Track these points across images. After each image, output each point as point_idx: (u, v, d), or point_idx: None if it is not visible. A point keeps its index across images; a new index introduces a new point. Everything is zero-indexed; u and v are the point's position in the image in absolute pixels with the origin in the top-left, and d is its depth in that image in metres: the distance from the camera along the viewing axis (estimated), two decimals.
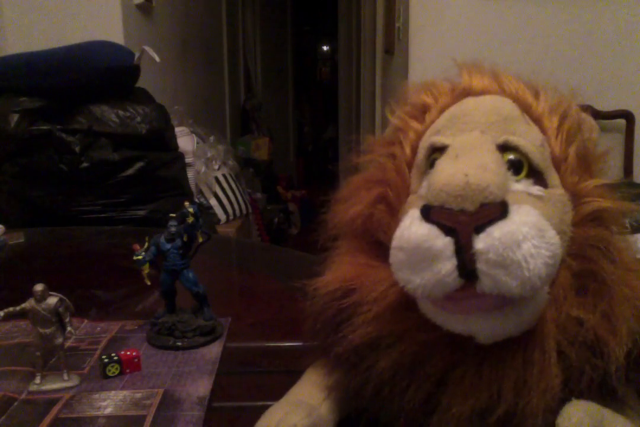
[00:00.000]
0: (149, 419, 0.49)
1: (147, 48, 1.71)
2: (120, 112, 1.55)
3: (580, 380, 0.37)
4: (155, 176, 1.59)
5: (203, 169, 2.30)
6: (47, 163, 1.49)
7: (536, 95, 0.43)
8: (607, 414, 0.37)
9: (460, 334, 0.38)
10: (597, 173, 0.42)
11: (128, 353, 0.58)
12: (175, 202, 1.59)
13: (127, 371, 0.57)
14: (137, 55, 1.67)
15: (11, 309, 0.54)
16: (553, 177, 0.40)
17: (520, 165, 0.38)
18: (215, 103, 3.62)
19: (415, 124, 0.44)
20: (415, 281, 0.35)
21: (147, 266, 0.63)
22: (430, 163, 0.40)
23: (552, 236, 0.35)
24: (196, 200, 2.17)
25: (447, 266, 0.33)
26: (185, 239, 0.63)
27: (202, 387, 0.54)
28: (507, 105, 0.41)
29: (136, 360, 0.58)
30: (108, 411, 0.50)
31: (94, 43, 1.62)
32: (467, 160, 0.35)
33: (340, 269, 0.45)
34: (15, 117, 1.48)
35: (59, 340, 0.55)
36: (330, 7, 4.85)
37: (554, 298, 0.38)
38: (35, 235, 1.15)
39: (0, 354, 0.61)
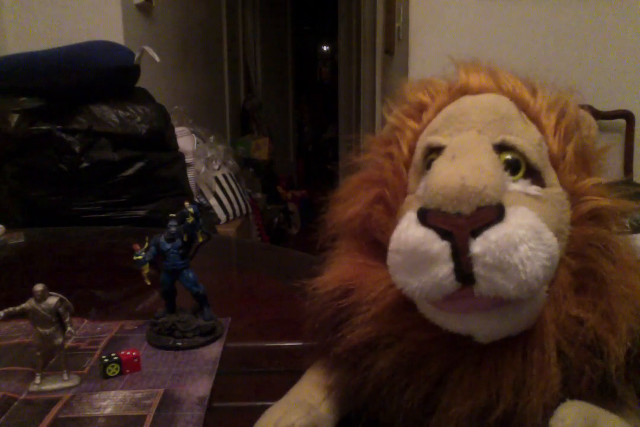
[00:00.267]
0: (149, 419, 0.49)
1: (147, 48, 1.71)
2: (120, 112, 1.55)
3: (580, 380, 0.37)
4: (155, 176, 1.59)
5: (203, 169, 2.30)
6: (47, 163, 1.49)
7: (533, 92, 0.43)
8: (601, 415, 0.37)
9: (459, 334, 0.37)
10: (596, 171, 0.42)
11: (128, 353, 0.58)
12: (175, 202, 1.59)
13: (127, 371, 0.57)
14: (137, 55, 1.67)
15: (11, 309, 0.54)
16: (551, 176, 0.40)
17: (518, 165, 0.38)
18: (215, 103, 3.62)
19: (412, 123, 0.44)
20: (413, 283, 0.35)
21: (147, 266, 0.63)
22: (428, 164, 0.40)
23: (549, 238, 0.35)
24: (196, 200, 2.17)
25: (444, 269, 0.33)
26: (185, 239, 0.63)
27: (202, 387, 0.54)
28: (504, 104, 0.41)
29: (136, 360, 0.58)
30: (108, 411, 0.50)
31: (94, 43, 1.62)
32: (464, 162, 0.35)
33: (339, 269, 0.45)
34: (15, 117, 1.48)
35: (59, 340, 0.55)
36: (330, 7, 4.85)
37: (553, 297, 0.37)
38: (35, 235, 1.15)
39: (0, 354, 0.61)
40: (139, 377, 0.56)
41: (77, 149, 1.49)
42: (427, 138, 0.41)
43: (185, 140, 1.99)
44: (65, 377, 0.55)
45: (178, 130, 1.86)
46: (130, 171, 1.54)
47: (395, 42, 2.26)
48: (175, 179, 1.67)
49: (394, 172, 0.44)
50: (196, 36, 3.17)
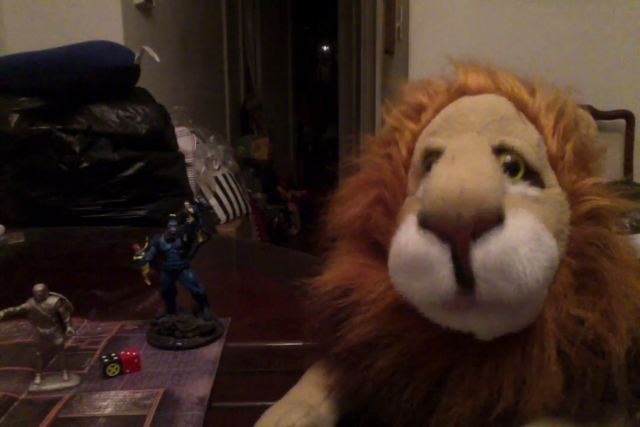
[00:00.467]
0: (149, 419, 0.49)
1: (147, 48, 1.71)
2: (120, 112, 1.55)
3: (584, 382, 0.37)
4: (155, 176, 1.59)
5: (203, 169, 2.30)
6: (47, 163, 1.49)
7: (532, 92, 0.43)
8: None
9: (459, 333, 0.37)
10: (595, 170, 0.42)
11: (128, 353, 0.58)
12: (175, 202, 1.59)
13: (127, 371, 0.57)
14: (137, 55, 1.67)
15: (11, 309, 0.54)
16: (550, 176, 0.40)
17: (517, 167, 0.38)
18: (215, 103, 3.62)
19: (410, 124, 0.44)
20: (413, 287, 0.36)
21: (147, 266, 0.63)
22: (427, 166, 0.40)
23: (549, 240, 0.35)
24: (196, 200, 2.17)
25: (444, 273, 0.34)
26: (185, 239, 0.63)
27: (202, 387, 0.54)
28: (503, 105, 0.41)
29: (136, 360, 0.58)
30: (108, 411, 0.50)
31: (94, 43, 1.62)
32: (463, 165, 0.35)
33: (340, 269, 0.45)
34: (15, 117, 1.48)
35: (59, 340, 0.55)
36: (330, 7, 4.85)
37: (553, 296, 0.37)
38: (35, 235, 1.15)
39: (0, 354, 0.61)
40: (139, 377, 0.56)
41: (77, 149, 1.49)
42: (426, 140, 0.41)
43: (185, 140, 1.99)
44: (65, 377, 0.55)
45: (178, 130, 1.86)
46: (130, 171, 1.54)
47: (395, 42, 2.26)
48: (175, 179, 1.67)
49: (393, 174, 0.44)
50: (196, 36, 3.17)
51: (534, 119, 0.41)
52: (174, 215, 0.63)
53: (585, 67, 1.91)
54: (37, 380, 0.55)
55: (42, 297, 0.53)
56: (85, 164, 1.49)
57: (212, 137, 2.47)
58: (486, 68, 0.44)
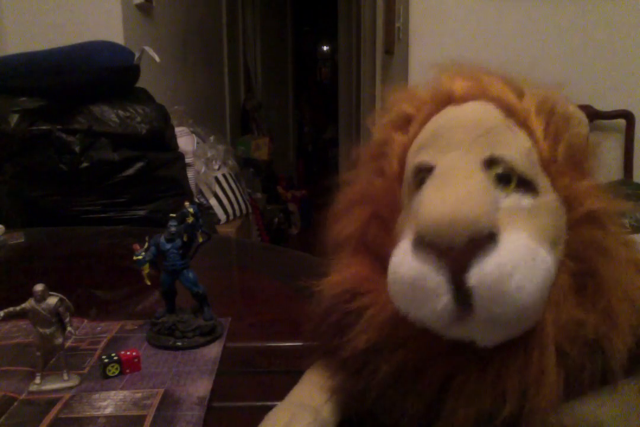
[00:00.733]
0: (149, 419, 0.49)
1: (147, 48, 1.71)
2: (120, 112, 1.55)
3: (581, 376, 0.37)
4: (155, 176, 1.59)
5: (203, 169, 2.30)
6: (47, 163, 1.49)
7: (520, 95, 0.42)
8: None
9: (461, 341, 0.38)
10: (590, 171, 0.42)
11: (128, 353, 0.58)
12: (175, 202, 1.59)
13: (127, 371, 0.57)
14: (137, 55, 1.67)
15: (11, 309, 0.54)
16: (543, 182, 0.39)
17: (509, 178, 0.38)
18: (215, 103, 3.62)
19: (399, 137, 0.44)
20: (414, 314, 0.36)
21: (147, 266, 0.63)
22: (419, 182, 0.40)
23: (544, 257, 0.35)
24: (196, 200, 2.17)
25: (443, 301, 0.34)
26: (185, 239, 0.63)
27: (202, 387, 0.54)
28: (490, 114, 0.40)
29: (136, 360, 0.58)
30: (108, 411, 0.50)
31: (94, 43, 1.62)
32: (452, 189, 0.35)
33: (347, 271, 0.45)
34: (15, 117, 1.48)
35: (59, 340, 0.55)
36: (330, 7, 4.85)
37: (553, 300, 0.37)
38: (35, 235, 1.15)
39: (0, 354, 0.61)
40: (139, 377, 0.56)
41: (77, 149, 1.49)
42: (416, 156, 0.41)
43: (185, 140, 1.99)
44: (65, 377, 0.55)
45: (178, 130, 1.86)
46: (130, 171, 1.54)
47: (395, 42, 2.26)
48: (175, 179, 1.67)
49: (387, 189, 0.44)
50: (196, 36, 3.17)
51: (523, 123, 0.41)
52: (174, 215, 0.63)
53: (586, 67, 1.91)
54: (37, 380, 0.55)
55: (42, 297, 0.53)
56: (85, 164, 1.49)
57: (212, 137, 2.47)
58: (472, 73, 0.43)
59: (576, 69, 1.89)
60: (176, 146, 1.76)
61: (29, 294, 0.54)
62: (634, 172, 1.94)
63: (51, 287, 0.54)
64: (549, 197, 0.39)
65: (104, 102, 1.55)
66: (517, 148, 0.39)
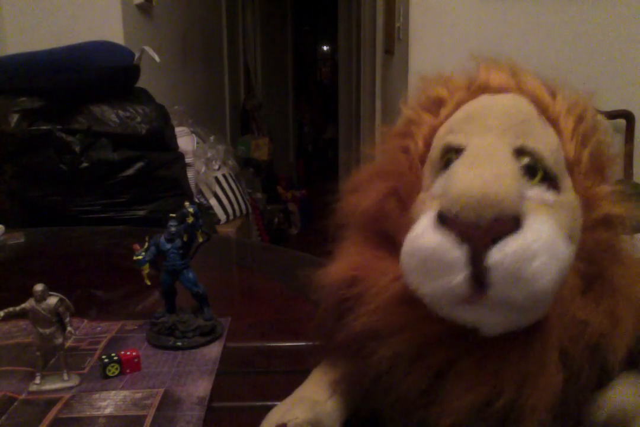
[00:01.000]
0: (149, 419, 0.49)
1: (147, 48, 1.71)
2: (120, 112, 1.55)
3: (580, 377, 0.38)
4: (155, 176, 1.59)
5: (203, 169, 2.30)
6: (47, 163, 1.49)
7: (553, 95, 0.42)
8: None
9: (463, 328, 0.38)
10: (610, 176, 0.42)
11: (128, 353, 0.58)
12: (175, 202, 1.59)
13: (127, 371, 0.57)
14: (137, 55, 1.67)
15: (11, 309, 0.54)
16: (566, 181, 0.40)
17: (535, 170, 0.38)
18: (215, 103, 3.62)
19: (429, 118, 0.44)
20: (426, 288, 0.36)
21: (147, 266, 0.63)
22: (445, 162, 0.40)
23: (564, 250, 0.35)
24: (196, 200, 2.17)
25: (459, 277, 0.34)
26: (185, 239, 0.63)
27: (202, 387, 0.54)
28: (524, 106, 0.41)
29: (136, 360, 0.58)
30: (108, 411, 0.50)
31: (94, 43, 1.62)
32: (484, 169, 0.35)
33: (347, 260, 0.45)
34: (15, 117, 1.48)
35: (59, 340, 0.55)
36: (330, 7, 4.85)
37: (560, 299, 0.38)
38: (35, 235, 1.15)
39: (0, 354, 0.61)
40: (139, 377, 0.56)
41: (77, 149, 1.49)
42: (446, 137, 0.41)
43: (185, 140, 1.99)
44: (65, 377, 0.55)
45: (178, 130, 1.86)
46: (130, 171, 1.54)
47: (395, 42, 2.26)
48: (175, 179, 1.67)
49: (409, 167, 0.43)
50: (196, 36, 3.17)
51: (553, 122, 0.41)
52: (174, 215, 0.63)
53: (585, 67, 1.91)
54: (37, 380, 0.55)
55: (42, 297, 0.53)
56: (85, 164, 1.49)
57: (212, 137, 2.47)
58: (508, 66, 0.44)
59: (576, 68, 1.89)
60: (176, 146, 1.76)
61: (29, 294, 0.54)
62: (634, 172, 1.94)
63: (51, 287, 0.54)
64: (569, 196, 0.39)
65: (104, 102, 1.55)
66: (546, 143, 0.39)
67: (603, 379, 0.38)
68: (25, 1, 2.03)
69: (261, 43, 4.99)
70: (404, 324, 0.40)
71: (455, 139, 0.40)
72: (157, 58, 1.73)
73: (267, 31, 5.11)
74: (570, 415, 0.39)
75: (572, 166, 0.40)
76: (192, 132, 2.18)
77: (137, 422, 0.49)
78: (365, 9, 3.15)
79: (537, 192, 0.38)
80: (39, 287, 0.53)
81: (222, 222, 2.40)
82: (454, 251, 0.34)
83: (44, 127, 1.49)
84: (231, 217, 2.45)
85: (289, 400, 0.45)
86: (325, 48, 7.29)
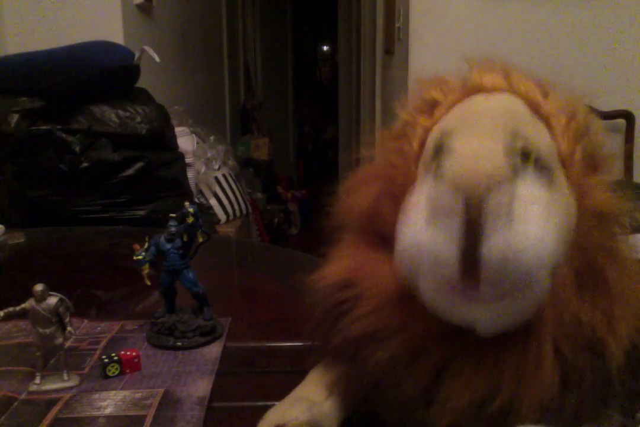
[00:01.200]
0: (149, 419, 0.49)
1: (147, 48, 1.71)
2: (120, 112, 1.55)
3: (581, 382, 0.37)
4: (155, 176, 1.59)
5: (203, 169, 2.30)
6: (47, 163, 1.49)
7: (545, 95, 0.42)
8: None
9: (461, 328, 0.38)
10: (604, 175, 0.42)
11: (128, 353, 0.58)
12: (175, 202, 1.59)
13: (127, 371, 0.57)
14: (137, 55, 1.67)
15: (11, 309, 0.54)
16: (560, 177, 0.40)
17: (528, 155, 0.38)
18: (215, 103, 3.62)
19: (423, 120, 0.44)
20: (420, 283, 0.36)
21: (147, 266, 0.63)
22: (437, 164, 0.40)
23: (556, 242, 0.35)
24: (196, 200, 2.17)
25: (451, 271, 0.34)
26: (185, 239, 0.63)
27: (202, 387, 0.54)
28: (517, 105, 0.41)
29: (136, 360, 0.58)
30: (108, 411, 0.50)
31: (94, 43, 1.62)
32: (477, 144, 0.36)
33: (343, 262, 0.45)
34: (15, 117, 1.48)
35: (59, 340, 0.55)
36: (330, 7, 4.85)
37: (555, 296, 0.38)
38: (35, 235, 1.15)
39: (0, 354, 0.61)
40: (139, 377, 0.56)
41: (77, 149, 1.49)
42: (438, 138, 0.41)
43: (185, 140, 1.99)
44: (65, 377, 0.55)
45: (178, 130, 1.86)
46: (130, 171, 1.54)
47: (395, 42, 2.26)
48: (175, 179, 1.67)
49: (404, 169, 0.44)
50: (196, 36, 3.17)
51: (546, 121, 0.41)
52: (174, 215, 0.63)
53: (585, 67, 1.91)
54: (37, 380, 0.55)
55: (42, 297, 0.53)
56: (85, 164, 1.49)
57: (212, 137, 2.47)
58: (501, 68, 0.44)
59: (576, 68, 1.89)
60: (176, 146, 1.76)
61: (29, 294, 0.54)
62: (634, 172, 1.94)
63: (51, 287, 0.54)
64: (562, 191, 0.39)
65: (104, 102, 1.55)
66: (539, 140, 0.39)
67: (607, 392, 0.38)
68: (25, 1, 2.03)
69: (261, 43, 4.99)
70: (400, 326, 0.40)
71: (447, 140, 0.40)
72: (157, 58, 1.73)
73: (267, 31, 5.11)
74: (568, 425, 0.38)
75: (564, 160, 0.41)
76: (192, 132, 2.18)
77: (137, 422, 0.49)
78: (365, 9, 3.15)
79: (530, 185, 0.37)
80: (39, 287, 0.53)
81: (222, 222, 2.40)
82: (446, 245, 0.34)
83: (44, 127, 1.49)
84: (231, 217, 2.45)
85: (286, 400, 0.45)
86: (325, 48, 7.29)
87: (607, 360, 0.37)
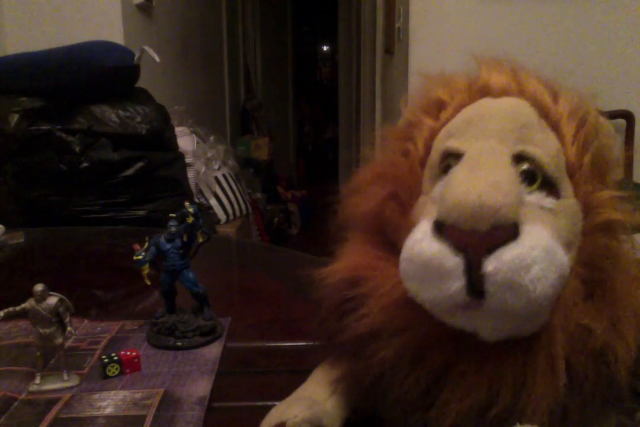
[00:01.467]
0: (149, 419, 0.49)
1: (147, 48, 1.71)
2: (120, 112, 1.55)
3: (584, 386, 0.37)
4: (155, 176, 1.59)
5: (203, 169, 2.30)
6: (47, 163, 1.49)
7: (555, 98, 0.42)
8: None
9: (464, 332, 0.38)
10: (611, 182, 0.42)
11: (128, 353, 0.58)
12: (175, 202, 1.59)
13: (127, 371, 0.57)
14: (137, 55, 1.67)
15: (11, 309, 0.54)
16: (566, 187, 0.39)
17: (534, 176, 0.38)
18: (215, 103, 3.62)
19: (429, 121, 0.44)
20: (424, 294, 0.36)
21: (147, 266, 0.63)
22: (444, 168, 0.40)
23: (561, 257, 0.35)
24: (196, 200, 2.17)
25: (456, 284, 0.34)
26: (185, 239, 0.63)
27: (202, 387, 0.54)
28: (525, 111, 0.40)
29: (136, 360, 0.58)
30: (108, 411, 0.50)
31: (94, 43, 1.62)
32: (482, 177, 0.35)
33: (350, 259, 0.45)
34: (15, 117, 1.48)
35: (59, 340, 0.55)
36: (330, 7, 4.85)
37: (562, 305, 0.37)
38: (35, 235, 1.15)
39: (0, 354, 0.61)
40: (139, 377, 0.56)
41: (77, 149, 1.49)
42: (445, 142, 0.41)
43: (185, 140, 1.99)
44: (65, 377, 0.55)
45: (178, 130, 1.86)
46: (130, 171, 1.54)
47: (395, 42, 2.26)
48: (175, 179, 1.67)
49: (409, 171, 0.43)
50: (196, 36, 3.17)
51: (554, 126, 0.41)
52: (174, 215, 0.63)
53: (586, 67, 1.91)
54: (37, 380, 0.55)
55: (42, 297, 0.53)
56: (85, 164, 1.49)
57: (212, 137, 2.47)
58: (510, 68, 0.44)
59: (576, 68, 1.89)
60: (176, 146, 1.76)
61: (29, 294, 0.54)
62: (634, 172, 1.94)
63: (51, 287, 0.54)
64: (569, 201, 0.39)
65: (104, 102, 1.55)
66: (547, 148, 0.39)
67: (611, 394, 0.38)
68: (25, 1, 2.03)
69: (261, 43, 4.99)
70: (405, 326, 0.40)
71: (455, 144, 0.40)
72: (157, 58, 1.73)
73: (267, 31, 5.11)
74: None
75: (572, 171, 0.40)
76: (192, 132, 2.18)
77: (137, 422, 0.49)
78: (365, 9, 3.15)
79: (535, 199, 0.37)
80: (39, 287, 0.53)
81: (222, 222, 2.40)
82: (452, 259, 0.34)
83: (44, 127, 1.49)
84: (231, 217, 2.45)
85: (288, 399, 0.45)
86: (325, 48, 7.29)
87: (615, 365, 0.37)
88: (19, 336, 0.65)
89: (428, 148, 0.43)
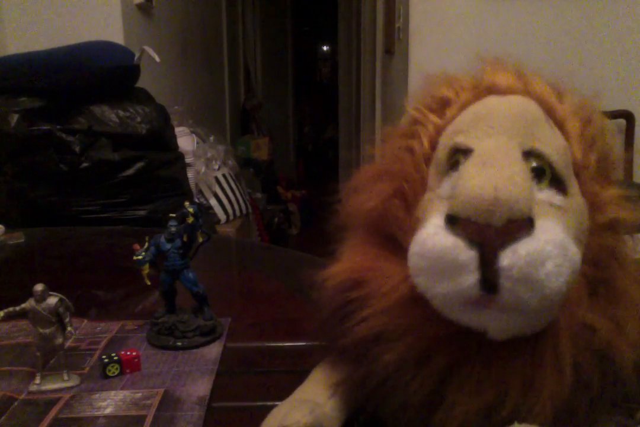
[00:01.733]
0: (149, 419, 0.49)
1: (147, 48, 1.71)
2: (120, 112, 1.55)
3: (590, 385, 0.37)
4: (155, 176, 1.59)
5: (203, 169, 2.30)
6: (47, 163, 1.49)
7: (560, 97, 0.42)
8: None
9: (470, 332, 0.37)
10: (615, 182, 0.42)
11: (128, 353, 0.58)
12: (175, 202, 1.59)
13: (127, 371, 0.57)
14: (137, 55, 1.67)
15: (11, 309, 0.54)
16: (573, 185, 0.39)
17: (543, 172, 0.38)
18: (215, 103, 3.62)
19: (434, 119, 0.44)
20: (436, 289, 0.36)
21: (147, 266, 0.63)
22: (452, 164, 0.40)
23: (574, 253, 0.35)
24: (196, 200, 2.17)
25: (470, 279, 0.34)
26: (185, 239, 0.63)
27: (202, 387, 0.54)
28: (533, 109, 0.40)
29: (136, 360, 0.58)
30: (108, 411, 0.50)
31: (94, 43, 1.63)
32: (495, 171, 0.35)
33: (351, 260, 0.44)
34: (15, 117, 1.48)
35: (59, 340, 0.55)
36: (330, 7, 4.85)
37: (568, 303, 0.37)
38: (35, 235, 1.15)
39: (0, 354, 0.61)
40: (139, 377, 0.56)
41: (77, 149, 1.49)
42: (453, 138, 0.41)
43: (185, 140, 1.99)
44: (65, 377, 0.55)
45: (178, 130, 1.86)
46: (130, 171, 1.54)
47: (395, 42, 2.26)
48: (175, 179, 1.67)
49: (414, 168, 0.43)
50: (196, 36, 3.17)
51: (560, 125, 0.41)
52: (174, 215, 0.63)
53: (586, 67, 1.91)
54: (37, 380, 0.55)
55: (42, 297, 0.53)
56: (85, 164, 1.49)
57: (212, 137, 2.47)
58: (515, 68, 0.44)
59: (576, 68, 1.89)
60: (176, 146, 1.76)
61: (29, 294, 0.54)
62: (634, 172, 1.94)
63: (51, 287, 0.54)
64: (577, 199, 0.39)
65: (104, 102, 1.55)
66: (555, 146, 0.39)
67: (617, 393, 0.38)
68: (25, 1, 2.03)
69: (261, 43, 4.99)
70: (409, 327, 0.39)
71: (463, 141, 0.39)
72: (157, 58, 1.73)
73: (267, 31, 5.11)
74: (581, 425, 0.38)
75: (579, 170, 0.40)
76: (192, 132, 2.18)
77: (137, 422, 0.49)
78: (365, 9, 3.15)
79: (545, 196, 0.37)
80: (39, 287, 0.53)
81: (222, 222, 2.40)
82: (465, 253, 0.34)
83: (44, 127, 1.49)
84: (231, 217, 2.45)
85: (288, 401, 0.45)
86: (325, 48, 7.29)
87: (619, 364, 0.37)
88: (19, 336, 0.65)
89: (433, 145, 0.43)
